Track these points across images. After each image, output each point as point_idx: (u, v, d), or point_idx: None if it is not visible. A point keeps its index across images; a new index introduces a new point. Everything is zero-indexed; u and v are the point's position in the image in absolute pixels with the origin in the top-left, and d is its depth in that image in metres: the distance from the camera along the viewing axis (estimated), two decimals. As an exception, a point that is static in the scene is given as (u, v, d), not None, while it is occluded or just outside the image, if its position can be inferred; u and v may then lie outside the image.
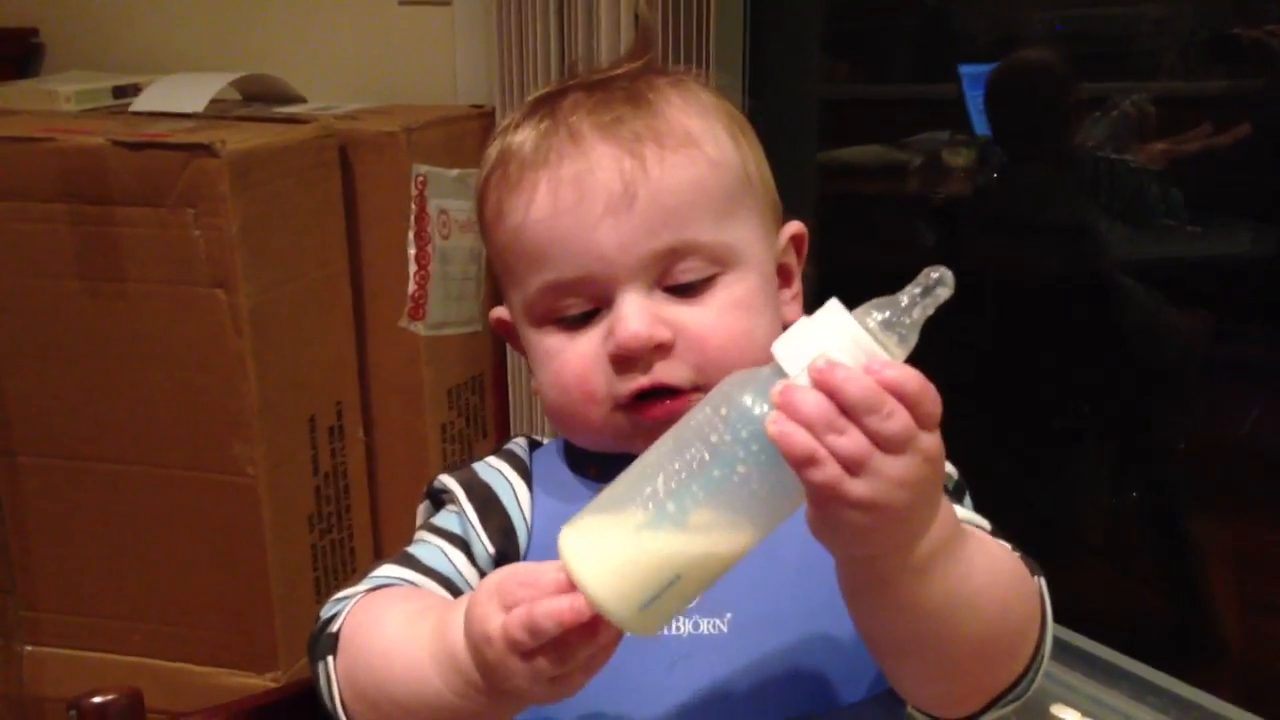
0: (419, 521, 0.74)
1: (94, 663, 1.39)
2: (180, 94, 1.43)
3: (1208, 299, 1.67)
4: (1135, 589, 1.82)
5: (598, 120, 0.67)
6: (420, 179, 1.44)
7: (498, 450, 0.75)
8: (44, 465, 1.35)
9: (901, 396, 0.50)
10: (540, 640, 0.53)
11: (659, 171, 0.66)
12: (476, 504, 0.70)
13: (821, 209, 1.89)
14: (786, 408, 0.50)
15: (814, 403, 0.49)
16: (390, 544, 1.53)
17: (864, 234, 1.98)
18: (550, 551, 0.57)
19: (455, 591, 0.67)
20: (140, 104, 1.46)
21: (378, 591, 0.66)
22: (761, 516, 0.52)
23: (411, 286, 1.44)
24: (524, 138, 0.69)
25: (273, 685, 1.34)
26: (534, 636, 0.53)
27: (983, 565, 0.57)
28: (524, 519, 0.70)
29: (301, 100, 1.61)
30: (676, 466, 0.52)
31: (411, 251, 1.44)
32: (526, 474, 0.72)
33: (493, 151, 0.72)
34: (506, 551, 0.69)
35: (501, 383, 1.61)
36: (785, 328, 0.69)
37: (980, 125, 1.93)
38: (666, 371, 0.66)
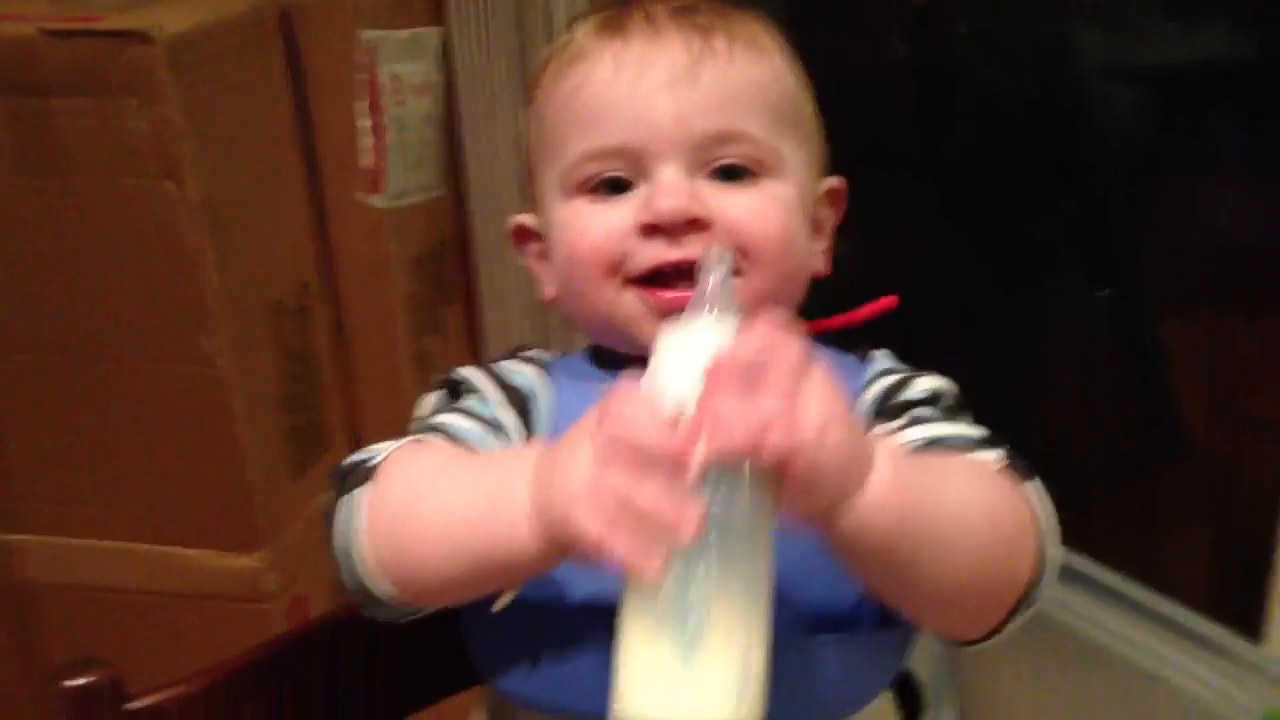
0: (427, 410, 0.71)
1: (79, 549, 1.40)
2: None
3: (1184, 94, 1.65)
4: (1106, 396, 1.84)
5: (673, 7, 0.68)
6: (369, 44, 1.38)
7: (513, 356, 0.73)
8: (7, 360, 1.33)
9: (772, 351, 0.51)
10: (628, 453, 0.50)
11: (726, 60, 0.67)
12: (502, 394, 0.69)
13: (789, 10, 1.83)
14: (710, 422, 0.49)
15: (729, 404, 0.49)
16: (364, 418, 1.53)
17: (835, 43, 1.93)
18: None
19: None
20: (67, -24, 1.38)
21: (423, 443, 0.64)
22: (759, 539, 0.52)
23: (368, 159, 1.40)
24: (595, 21, 0.70)
25: (256, 565, 1.36)
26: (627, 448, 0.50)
27: (955, 489, 0.57)
28: (548, 413, 0.69)
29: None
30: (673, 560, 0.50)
31: (365, 123, 1.39)
32: (544, 371, 0.72)
33: (560, 39, 0.72)
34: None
35: (467, 246, 1.59)
36: (813, 279, 0.69)
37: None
38: (701, 248, 0.63)
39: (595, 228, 0.67)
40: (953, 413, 0.68)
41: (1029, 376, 1.86)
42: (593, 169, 0.67)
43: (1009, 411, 1.83)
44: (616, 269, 0.66)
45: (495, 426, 0.67)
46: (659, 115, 0.65)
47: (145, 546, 1.38)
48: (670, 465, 0.49)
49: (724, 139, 0.66)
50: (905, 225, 1.74)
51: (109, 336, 1.29)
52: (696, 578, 0.50)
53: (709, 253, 0.57)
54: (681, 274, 0.65)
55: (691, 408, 0.50)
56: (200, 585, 1.38)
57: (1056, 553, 0.61)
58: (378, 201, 1.42)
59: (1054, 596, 0.86)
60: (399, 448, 0.63)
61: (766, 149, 0.67)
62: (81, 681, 0.66)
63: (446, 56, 1.50)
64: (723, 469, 0.50)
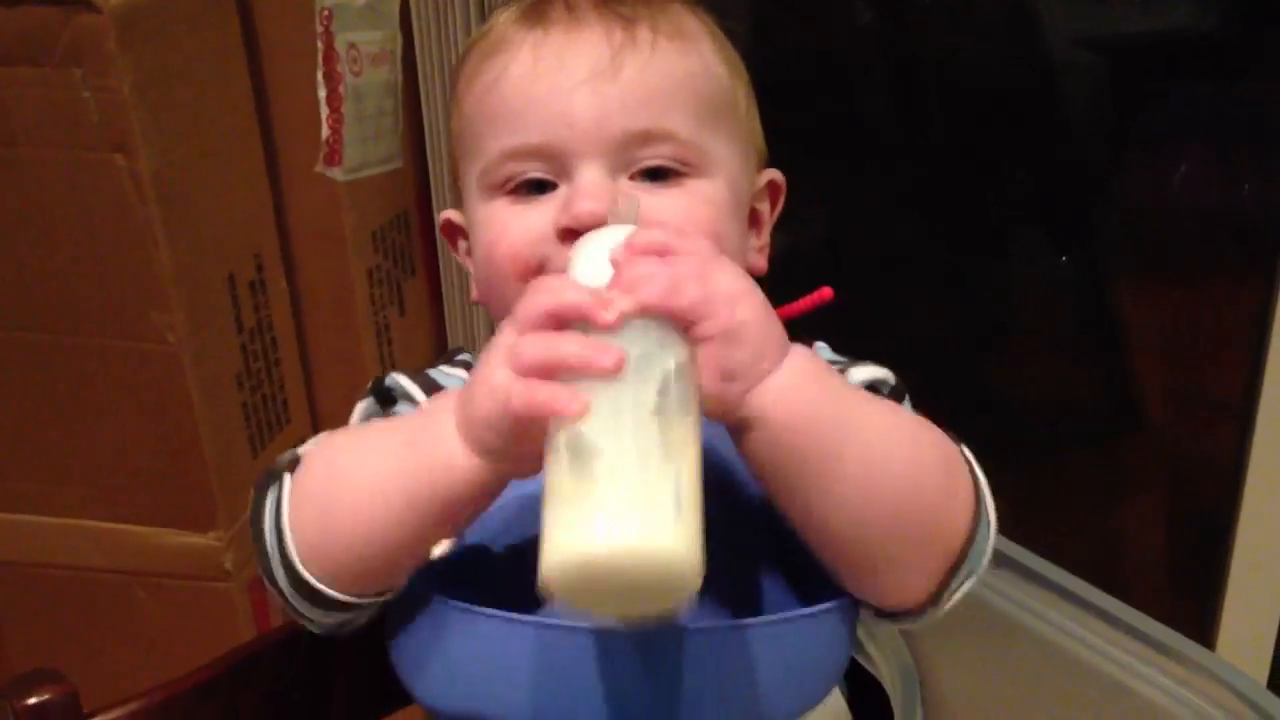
0: (360, 416, 0.69)
1: (29, 525, 1.37)
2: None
3: (1148, 65, 1.65)
4: (1066, 370, 1.85)
5: None
6: (325, 13, 1.35)
7: (448, 360, 0.71)
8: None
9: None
10: (544, 318, 0.52)
11: (649, 52, 0.64)
12: None
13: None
14: (628, 280, 0.52)
15: (646, 265, 0.53)
16: (323, 393, 1.51)
17: (799, 12, 1.91)
18: None
19: None
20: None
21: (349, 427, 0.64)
22: (681, 392, 0.51)
23: (325, 131, 1.36)
24: (516, 9, 0.67)
25: (215, 544, 1.34)
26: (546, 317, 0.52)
27: (877, 406, 0.58)
28: None
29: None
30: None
31: (322, 93, 1.35)
32: None
33: (481, 28, 0.69)
34: None
35: (427, 217, 1.56)
36: (749, 275, 0.67)
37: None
38: None
39: (513, 230, 0.64)
40: (895, 400, 0.66)
41: (986, 345, 1.86)
42: (512, 169, 0.65)
43: (964, 383, 1.83)
44: (535, 274, 0.64)
45: None
46: (578, 113, 0.63)
47: (101, 524, 1.36)
48: (588, 321, 0.51)
49: (647, 138, 0.63)
50: (867, 193, 1.73)
51: (59, 312, 1.26)
52: (620, 420, 0.49)
53: (619, 198, 0.61)
54: None
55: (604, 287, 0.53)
56: (158, 563, 1.36)
57: (992, 513, 0.59)
58: (335, 174, 1.39)
59: (1012, 596, 0.86)
60: (322, 434, 0.63)
61: (693, 147, 0.64)
62: (35, 700, 0.63)
63: (405, 23, 1.47)
64: (641, 330, 0.51)
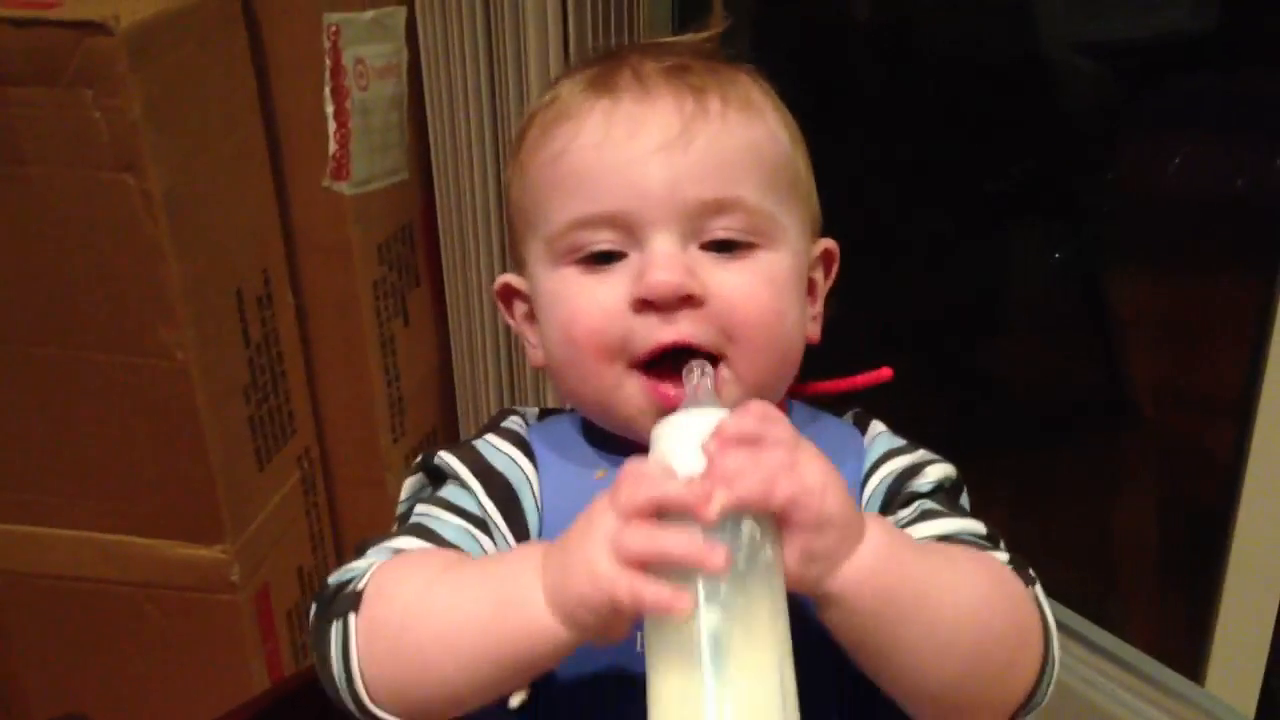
0: (407, 494, 0.70)
1: (39, 537, 1.38)
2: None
3: (1146, 57, 1.65)
4: (1059, 360, 1.86)
5: (663, 65, 0.65)
6: (333, 29, 1.35)
7: (494, 428, 0.71)
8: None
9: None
10: (648, 509, 0.53)
11: (720, 123, 0.65)
12: (485, 485, 0.66)
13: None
14: (723, 476, 0.53)
15: (738, 459, 0.54)
16: (329, 406, 1.52)
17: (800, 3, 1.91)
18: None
19: None
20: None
21: (406, 554, 0.63)
22: (774, 578, 0.54)
23: (332, 146, 1.37)
24: (582, 77, 0.67)
25: (221, 556, 1.35)
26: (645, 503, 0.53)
27: (951, 573, 0.58)
28: (534, 500, 0.67)
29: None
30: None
31: (329, 109, 1.36)
32: (529, 452, 0.69)
33: (544, 96, 0.69)
34: (521, 538, 0.66)
35: (432, 229, 1.57)
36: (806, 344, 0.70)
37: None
38: (693, 329, 0.63)
39: (589, 308, 0.64)
40: (954, 500, 0.68)
41: (983, 338, 1.87)
42: (582, 238, 0.65)
43: (960, 376, 1.83)
44: (617, 353, 0.64)
45: (479, 523, 0.65)
46: (652, 182, 0.63)
47: (109, 536, 1.37)
48: (689, 514, 0.52)
49: (719, 208, 0.64)
50: (864, 183, 1.74)
51: (69, 328, 1.26)
52: (722, 611, 0.52)
53: (689, 366, 0.62)
54: (680, 356, 0.64)
55: (699, 477, 0.54)
56: (165, 575, 1.37)
57: (1057, 651, 0.61)
58: (343, 188, 1.40)
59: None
60: (380, 566, 0.61)
61: (762, 216, 0.65)
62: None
63: (410, 35, 1.48)
64: (734, 519, 0.53)
